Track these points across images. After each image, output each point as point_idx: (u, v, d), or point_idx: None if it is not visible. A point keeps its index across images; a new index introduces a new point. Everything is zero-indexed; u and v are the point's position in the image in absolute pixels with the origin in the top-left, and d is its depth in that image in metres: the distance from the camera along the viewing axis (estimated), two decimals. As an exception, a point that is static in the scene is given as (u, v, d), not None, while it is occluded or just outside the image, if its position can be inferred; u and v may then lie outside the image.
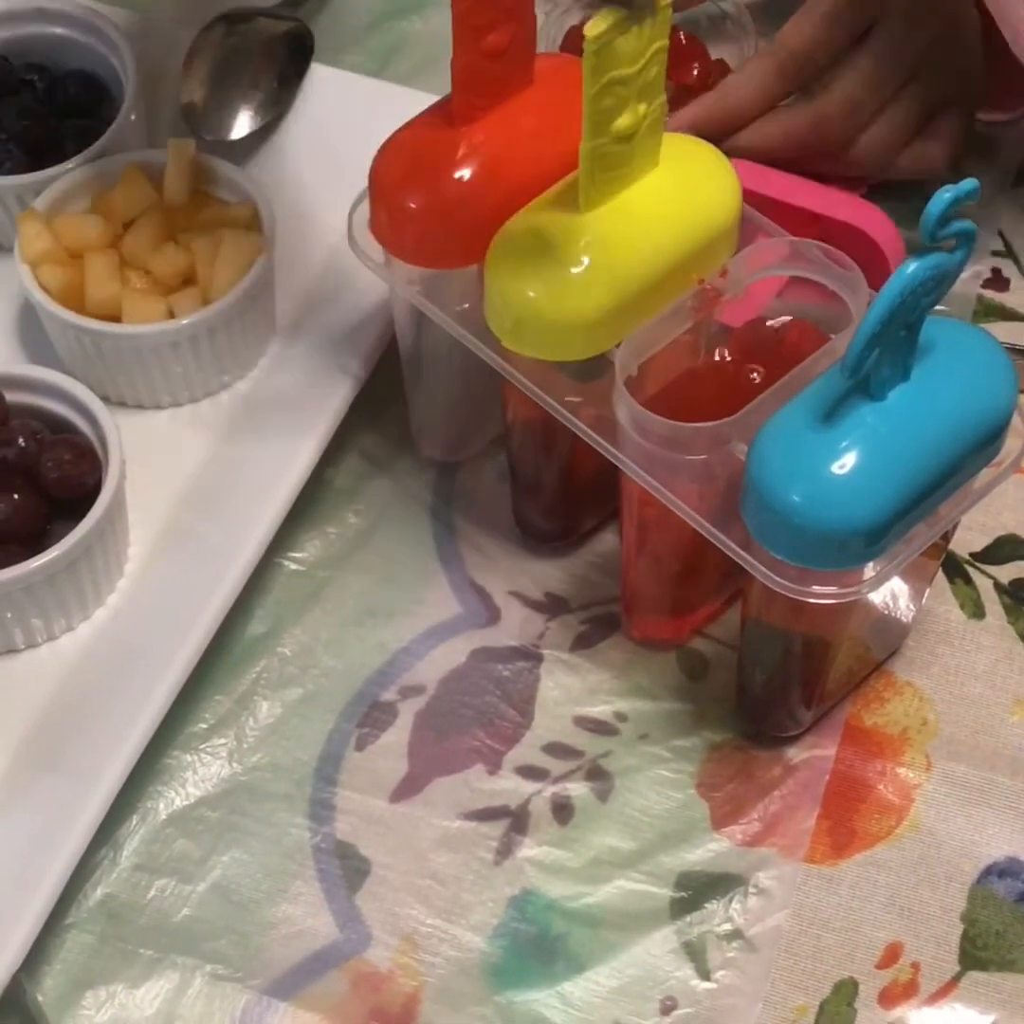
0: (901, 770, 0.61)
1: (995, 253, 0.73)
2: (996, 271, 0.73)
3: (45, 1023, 0.55)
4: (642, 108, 0.54)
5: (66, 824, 0.56)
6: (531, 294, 0.56)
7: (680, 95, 0.72)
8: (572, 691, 0.63)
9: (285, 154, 0.74)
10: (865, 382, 0.52)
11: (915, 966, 0.57)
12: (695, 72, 0.75)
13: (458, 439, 0.68)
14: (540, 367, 0.57)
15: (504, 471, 0.67)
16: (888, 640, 0.63)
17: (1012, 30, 0.71)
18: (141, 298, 0.65)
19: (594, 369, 0.57)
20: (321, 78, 0.75)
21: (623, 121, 0.54)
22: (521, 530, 0.66)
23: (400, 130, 0.59)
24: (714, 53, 0.76)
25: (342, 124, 0.74)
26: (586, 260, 0.55)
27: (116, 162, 0.68)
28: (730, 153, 0.61)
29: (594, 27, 0.51)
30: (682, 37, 0.74)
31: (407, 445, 0.68)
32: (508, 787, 0.61)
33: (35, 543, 0.60)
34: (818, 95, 0.69)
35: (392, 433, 0.68)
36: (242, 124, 0.74)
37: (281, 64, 0.75)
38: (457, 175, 0.58)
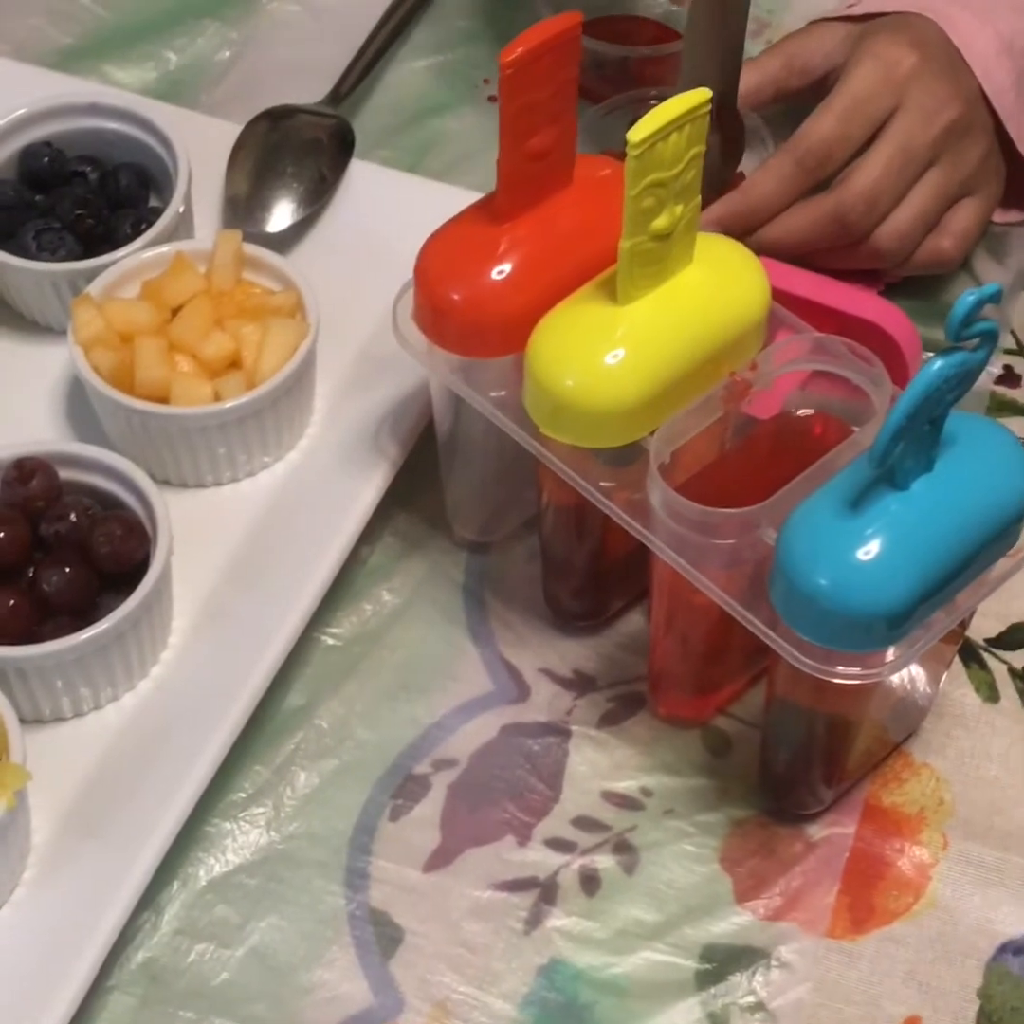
0: (918, 849, 0.63)
1: (1007, 351, 0.76)
2: (1008, 368, 0.75)
3: (90, 1082, 0.56)
4: (679, 209, 0.57)
5: (110, 890, 0.58)
6: (569, 383, 0.58)
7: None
8: (599, 766, 0.65)
9: (324, 246, 0.77)
10: (890, 472, 0.54)
11: (933, 1040, 0.59)
12: None
13: (491, 521, 0.70)
14: (576, 453, 0.60)
15: (535, 552, 0.69)
16: (906, 722, 0.65)
17: (1018, 128, 0.74)
18: (189, 381, 0.68)
19: (628, 456, 0.60)
20: (360, 173, 0.78)
21: (661, 221, 0.56)
22: (551, 609, 0.68)
23: (445, 225, 0.62)
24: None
25: (380, 217, 0.77)
26: (623, 351, 0.58)
27: (165, 251, 0.71)
28: (756, 247, 0.64)
29: (637, 132, 0.53)
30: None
31: (441, 526, 0.70)
32: (537, 859, 0.62)
33: (85, 615, 0.63)
34: (838, 187, 0.72)
35: (426, 514, 0.71)
36: (283, 217, 0.77)
37: (322, 159, 0.78)
38: (499, 269, 0.60)
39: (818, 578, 0.54)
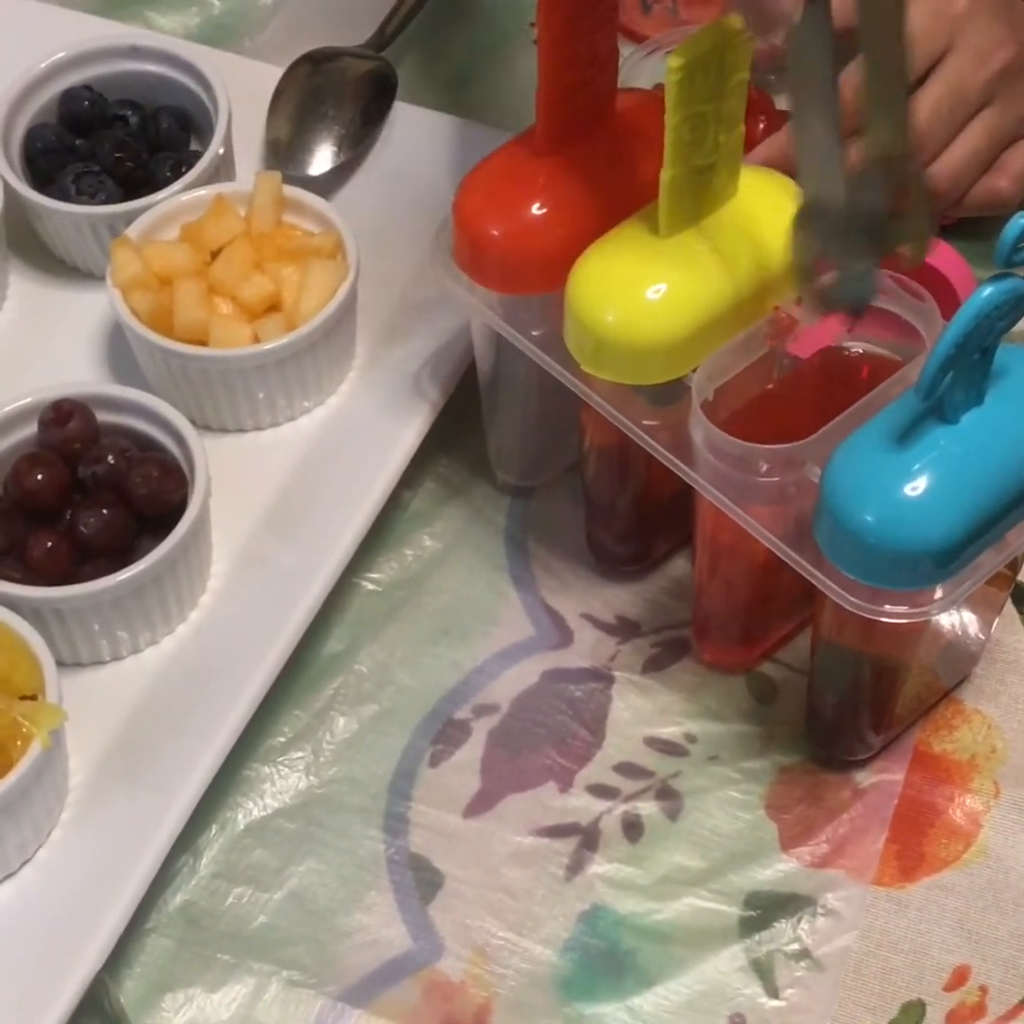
0: (969, 796, 0.61)
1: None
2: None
3: (126, 1023, 0.56)
4: (722, 138, 0.55)
5: (147, 832, 0.58)
6: (611, 319, 0.57)
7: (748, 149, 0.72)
8: (643, 712, 0.64)
9: (366, 189, 0.76)
10: (939, 405, 0.53)
11: (983, 989, 0.57)
12: (762, 125, 0.76)
13: (533, 465, 0.69)
14: (618, 391, 0.59)
15: (577, 497, 0.68)
16: (957, 668, 0.64)
17: None
18: (228, 323, 0.67)
19: (670, 394, 0.59)
20: (403, 116, 0.77)
21: (703, 151, 0.55)
22: (594, 554, 0.67)
23: (484, 160, 0.61)
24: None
25: (423, 161, 0.76)
26: (665, 286, 0.57)
27: (205, 193, 0.70)
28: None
29: (677, 58, 0.52)
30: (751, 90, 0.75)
31: (482, 471, 0.70)
32: (579, 805, 0.62)
33: (123, 558, 0.62)
34: None
35: (468, 459, 0.70)
36: (324, 160, 0.76)
37: (364, 102, 0.77)
38: (538, 203, 0.59)
39: (864, 514, 0.53)
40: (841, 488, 0.53)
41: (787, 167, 0.70)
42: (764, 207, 0.58)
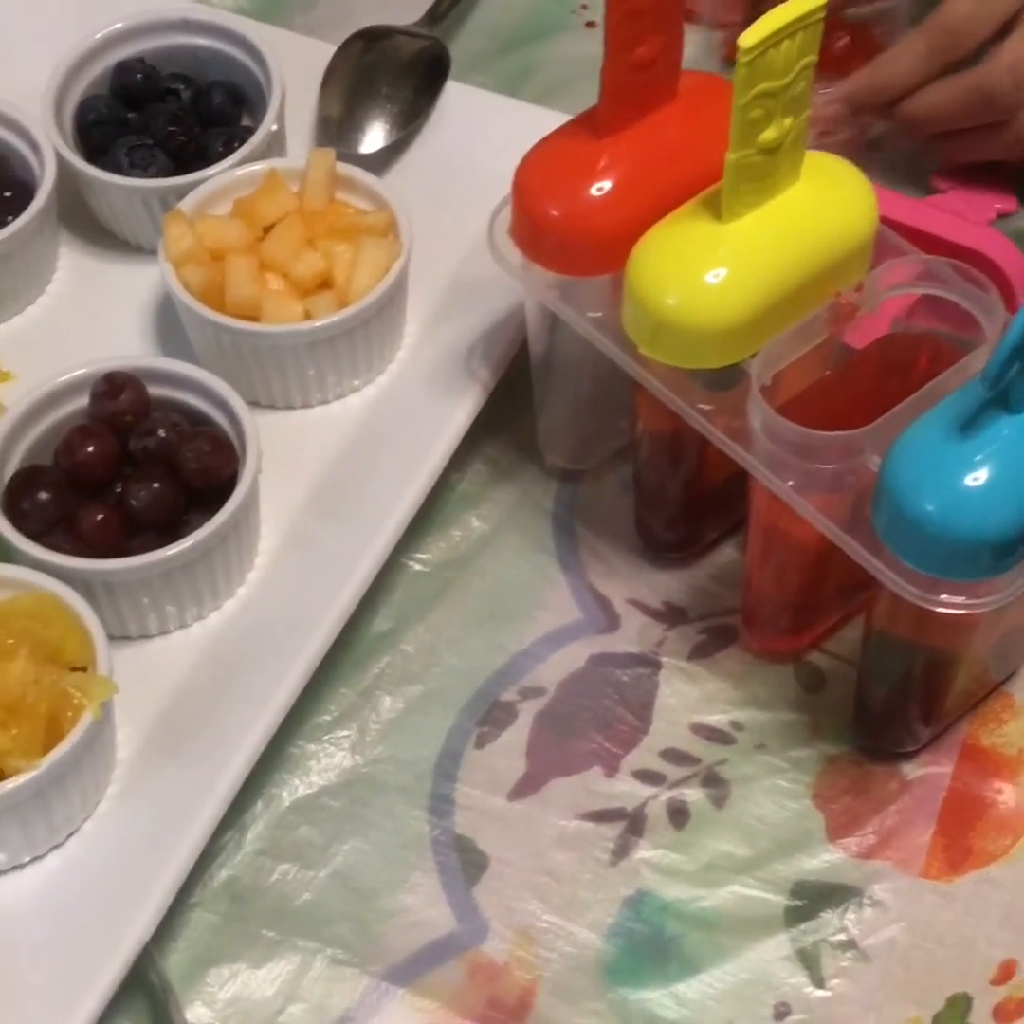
0: (1018, 790, 0.61)
1: None
2: None
3: (172, 997, 0.56)
4: (788, 121, 0.55)
5: (193, 807, 0.58)
6: (670, 302, 0.57)
7: (831, 62, 0.69)
8: (689, 699, 0.63)
9: (417, 169, 0.75)
10: (1004, 395, 0.52)
11: (1030, 984, 0.57)
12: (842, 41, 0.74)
13: (583, 448, 0.69)
14: (674, 375, 0.58)
15: (626, 481, 0.68)
16: (1008, 662, 0.63)
17: None
18: (280, 299, 0.67)
19: (727, 379, 0.58)
20: (455, 96, 0.77)
21: (769, 133, 0.55)
22: (642, 540, 0.67)
23: (545, 139, 0.60)
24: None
25: (474, 141, 0.75)
26: (726, 270, 0.56)
27: (258, 168, 0.70)
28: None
29: (748, 38, 0.52)
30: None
31: (531, 453, 0.69)
32: (625, 790, 0.61)
33: (172, 532, 0.62)
34: (984, 61, 0.69)
35: (517, 441, 0.70)
36: (376, 138, 0.75)
37: (416, 81, 0.77)
38: (599, 184, 0.59)
39: (925, 503, 0.52)
40: (902, 477, 0.53)
41: (868, 102, 0.70)
42: (827, 192, 0.58)
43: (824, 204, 0.58)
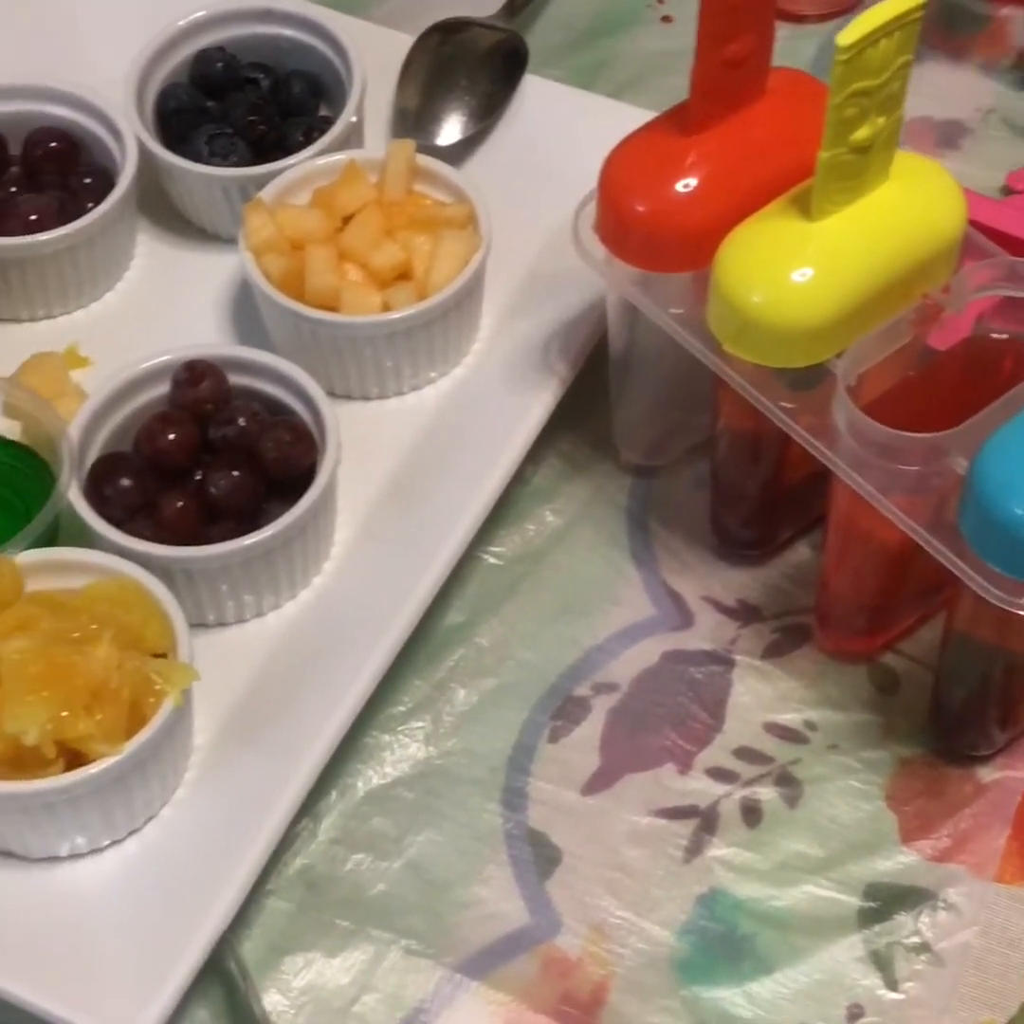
0: (1094, 796, 0.61)
1: None
2: None
3: (249, 984, 0.56)
4: (882, 120, 0.55)
5: (270, 795, 0.58)
6: (757, 299, 0.56)
7: None
8: (763, 697, 0.63)
9: (493, 161, 0.75)
10: (1098, 399, 0.52)
11: (1106, 992, 0.57)
12: None
13: (658, 444, 0.69)
14: (758, 373, 0.58)
15: (700, 477, 0.67)
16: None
17: None
18: (359, 290, 0.67)
19: (811, 378, 0.58)
20: (533, 89, 0.77)
21: (863, 132, 0.54)
22: (717, 537, 0.67)
23: (632, 134, 0.60)
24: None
25: (551, 135, 0.75)
26: (814, 269, 0.56)
27: (338, 158, 0.70)
28: None
29: (846, 36, 0.52)
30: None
31: (606, 448, 0.69)
32: (698, 787, 0.61)
33: (250, 520, 0.62)
34: None
35: (591, 436, 0.69)
36: (453, 130, 0.75)
37: (494, 73, 0.77)
38: (686, 180, 0.59)
39: (1014, 507, 0.52)
40: (991, 480, 0.53)
41: None
42: (915, 192, 0.58)
43: (913, 204, 0.57)
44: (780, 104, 0.59)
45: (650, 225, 0.59)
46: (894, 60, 0.53)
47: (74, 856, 0.57)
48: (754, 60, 0.58)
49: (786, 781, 0.61)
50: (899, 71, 0.54)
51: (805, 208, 0.57)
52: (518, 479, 0.67)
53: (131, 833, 0.58)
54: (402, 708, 0.63)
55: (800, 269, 0.56)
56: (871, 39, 0.52)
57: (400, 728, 0.62)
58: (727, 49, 0.57)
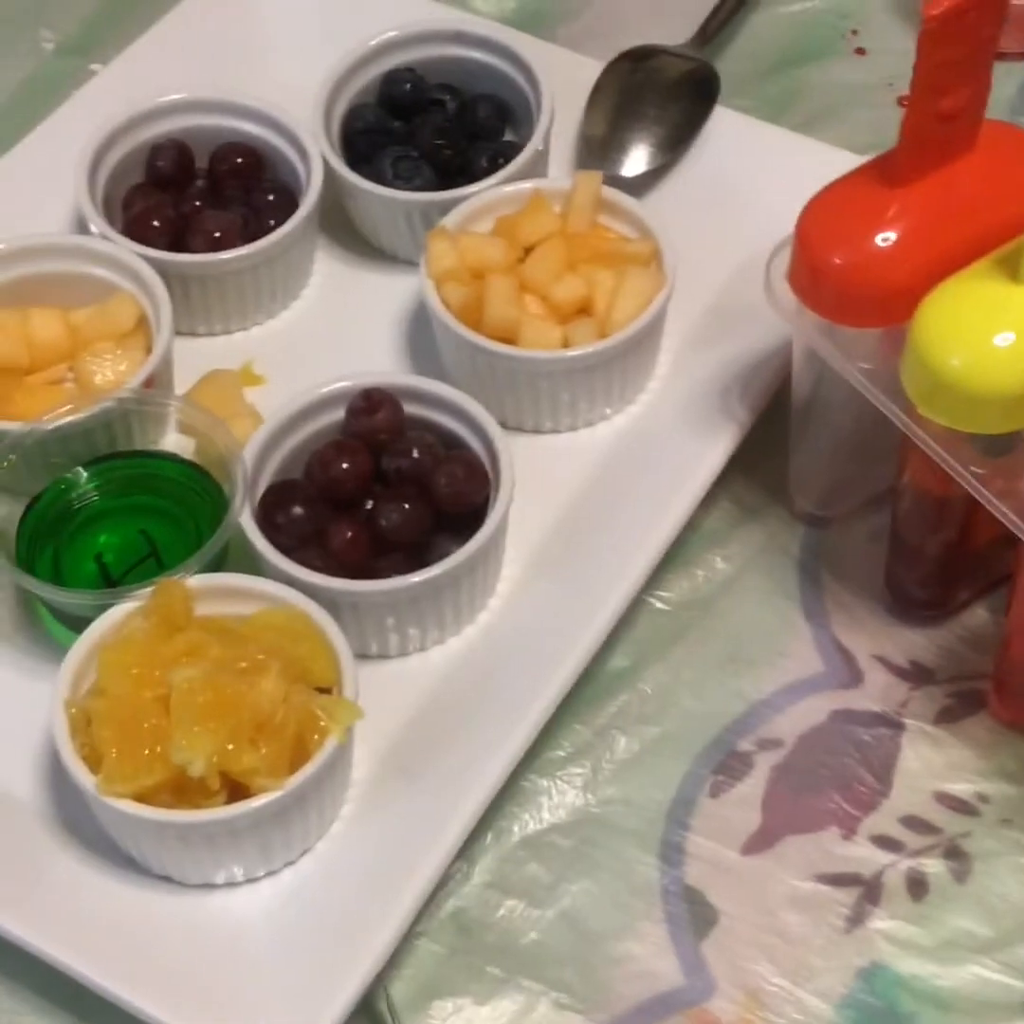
0: None
1: None
2: None
3: (398, 1025, 0.55)
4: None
5: (429, 835, 0.57)
6: (955, 362, 0.55)
7: None
8: (933, 765, 0.62)
9: (678, 194, 0.74)
10: None
11: None
12: None
13: (834, 494, 0.67)
14: (949, 435, 0.56)
15: (875, 531, 0.66)
16: None
17: None
18: (539, 324, 0.66)
19: (1004, 444, 0.56)
20: (722, 121, 0.75)
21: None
22: (891, 595, 0.65)
23: (834, 183, 0.59)
24: None
25: (740, 169, 0.74)
26: (1015, 334, 0.54)
27: (524, 187, 0.69)
28: None
29: None
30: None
31: (780, 496, 0.68)
32: (862, 855, 0.60)
33: (419, 553, 0.61)
34: None
35: (766, 481, 0.68)
36: (640, 161, 0.74)
37: (684, 104, 0.76)
38: (886, 234, 0.57)
39: None
40: None
41: None
42: None
43: None
44: (990, 159, 0.58)
45: (846, 278, 0.57)
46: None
47: (230, 884, 0.57)
48: (968, 113, 0.56)
49: (955, 854, 0.60)
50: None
51: (1012, 269, 0.55)
52: (688, 522, 0.66)
53: (286, 865, 0.58)
54: (561, 753, 0.62)
55: (1003, 333, 0.54)
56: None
57: (558, 773, 0.62)
58: (942, 102, 0.55)
